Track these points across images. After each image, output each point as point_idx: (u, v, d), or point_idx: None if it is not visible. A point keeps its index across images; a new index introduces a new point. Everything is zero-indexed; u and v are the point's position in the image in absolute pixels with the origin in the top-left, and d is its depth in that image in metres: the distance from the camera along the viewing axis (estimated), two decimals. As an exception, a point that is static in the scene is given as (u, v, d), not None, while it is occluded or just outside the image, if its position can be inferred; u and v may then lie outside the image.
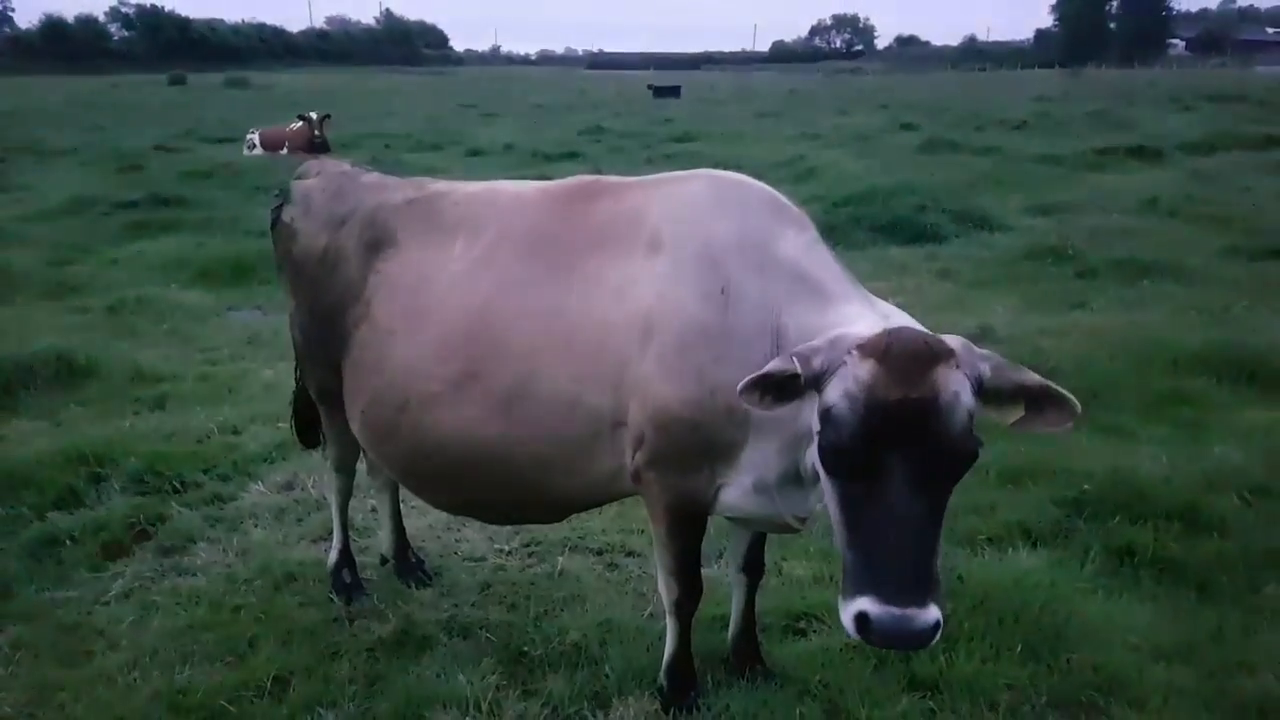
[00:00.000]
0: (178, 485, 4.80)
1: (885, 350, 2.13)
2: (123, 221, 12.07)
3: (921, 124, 23.66)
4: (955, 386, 2.11)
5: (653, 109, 33.74)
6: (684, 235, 2.80)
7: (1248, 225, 10.82)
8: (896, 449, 2.10)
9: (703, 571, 3.07)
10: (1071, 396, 2.17)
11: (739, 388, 2.25)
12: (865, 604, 2.12)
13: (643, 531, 4.26)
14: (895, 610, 2.08)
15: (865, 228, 11.01)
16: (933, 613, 2.09)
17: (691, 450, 2.73)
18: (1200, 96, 30.96)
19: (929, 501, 2.13)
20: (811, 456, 2.52)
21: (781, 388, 2.26)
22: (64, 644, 3.55)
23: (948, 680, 3.20)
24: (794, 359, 2.24)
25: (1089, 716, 3.09)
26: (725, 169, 3.06)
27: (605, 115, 29.42)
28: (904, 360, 2.10)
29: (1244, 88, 34.58)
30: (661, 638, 3.20)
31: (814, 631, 3.57)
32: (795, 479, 2.70)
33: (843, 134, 22.26)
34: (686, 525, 2.91)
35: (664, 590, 3.05)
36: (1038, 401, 2.20)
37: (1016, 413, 2.22)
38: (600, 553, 4.24)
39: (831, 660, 3.34)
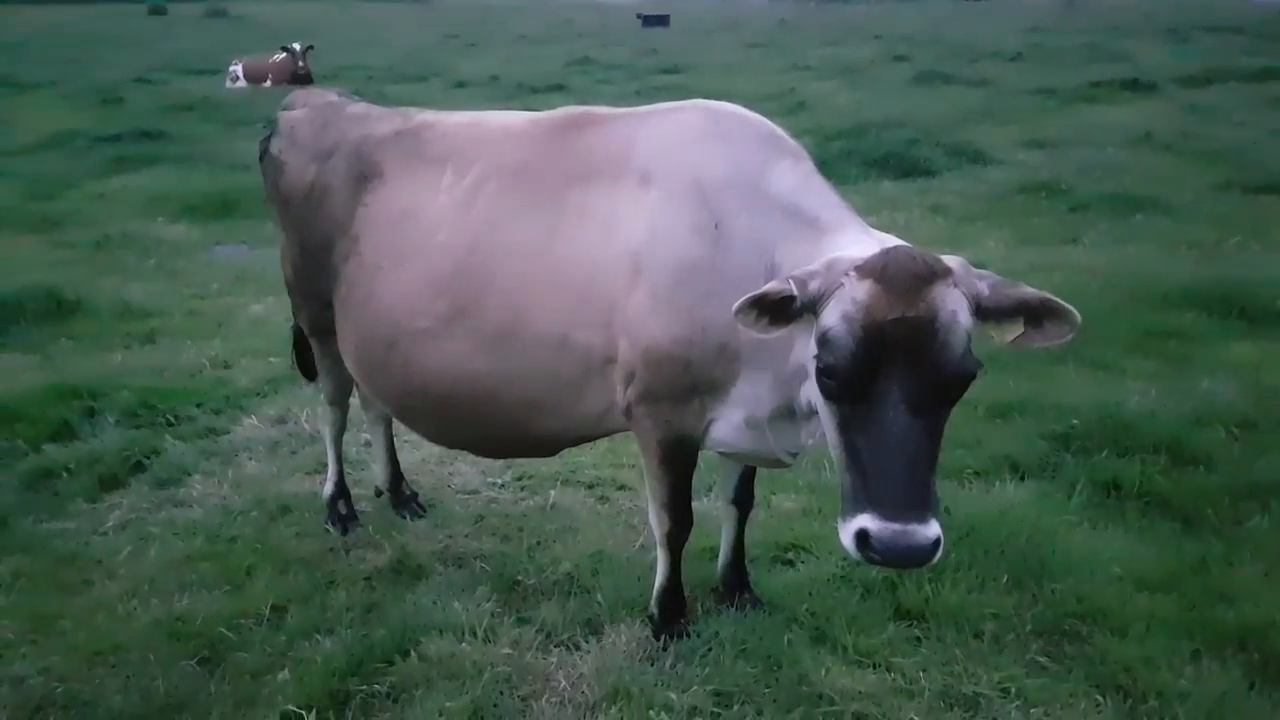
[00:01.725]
0: (171, 419, 4.81)
1: (883, 270, 2.10)
2: (105, 156, 11.87)
3: (914, 55, 23.30)
4: (953, 305, 2.09)
5: (641, 39, 33.08)
6: (675, 169, 2.75)
7: (1240, 160, 10.76)
8: (895, 369, 2.07)
9: (693, 504, 3.10)
10: (1071, 308, 2.14)
11: (734, 307, 2.23)
12: (865, 521, 2.10)
13: (633, 466, 4.30)
14: (896, 525, 2.06)
15: (857, 162, 10.90)
16: (933, 528, 2.08)
17: (683, 387, 2.73)
18: (1197, 27, 30.53)
19: (928, 421, 2.11)
20: (806, 391, 2.52)
21: (777, 310, 2.24)
22: (63, 574, 3.59)
23: (934, 609, 3.26)
24: (790, 281, 2.22)
25: (1072, 644, 3.15)
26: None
27: (592, 46, 28.85)
28: (902, 279, 2.08)
29: (1242, 18, 34.12)
30: (652, 568, 3.25)
31: (802, 562, 3.62)
32: (787, 415, 2.70)
33: (834, 66, 21.91)
34: (678, 460, 2.92)
35: (655, 522, 3.08)
36: (1037, 316, 2.18)
37: (1015, 330, 2.20)
38: (591, 486, 4.27)
39: (819, 589, 3.39)
